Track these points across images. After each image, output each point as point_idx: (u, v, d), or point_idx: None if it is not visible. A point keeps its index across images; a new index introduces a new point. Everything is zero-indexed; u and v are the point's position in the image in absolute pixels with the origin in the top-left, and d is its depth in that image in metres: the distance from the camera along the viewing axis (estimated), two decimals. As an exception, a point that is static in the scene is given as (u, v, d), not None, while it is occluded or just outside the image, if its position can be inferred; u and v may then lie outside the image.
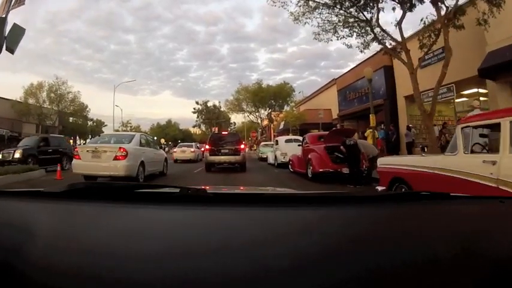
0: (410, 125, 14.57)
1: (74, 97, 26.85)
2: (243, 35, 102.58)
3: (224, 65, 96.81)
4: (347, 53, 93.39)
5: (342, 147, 7.51)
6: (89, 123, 39.98)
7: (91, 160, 7.16)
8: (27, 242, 0.56)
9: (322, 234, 0.62)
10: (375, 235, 0.63)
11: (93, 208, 0.76)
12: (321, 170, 7.80)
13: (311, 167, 8.21)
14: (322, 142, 8.87)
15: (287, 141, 13.36)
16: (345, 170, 7.58)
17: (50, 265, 0.51)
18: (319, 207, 0.79)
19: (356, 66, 20.22)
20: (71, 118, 32.06)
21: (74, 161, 7.62)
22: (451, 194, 0.94)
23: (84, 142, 36.96)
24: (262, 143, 21.01)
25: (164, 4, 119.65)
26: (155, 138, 32.79)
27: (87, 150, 7.38)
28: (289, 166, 10.87)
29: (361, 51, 10.60)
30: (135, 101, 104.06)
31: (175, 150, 19.23)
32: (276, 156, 13.24)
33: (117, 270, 0.50)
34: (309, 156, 8.50)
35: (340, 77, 22.56)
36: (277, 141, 13.91)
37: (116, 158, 7.06)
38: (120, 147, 7.20)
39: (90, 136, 39.48)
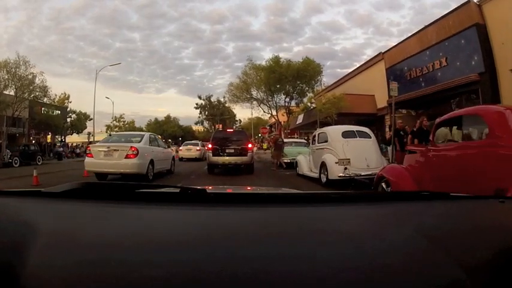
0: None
1: (32, 78, 20.41)
2: (249, 33, 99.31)
3: (229, 64, 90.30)
4: (353, 53, 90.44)
5: None
6: (72, 116, 34.06)
7: (103, 158, 7.39)
8: (27, 241, 0.56)
9: (322, 233, 0.62)
10: (375, 234, 0.62)
11: (93, 208, 0.75)
12: None
13: None
14: None
15: (346, 134, 6.89)
16: None
17: (50, 265, 0.51)
18: (319, 207, 0.79)
19: (424, 28, 13.80)
20: (43, 109, 26.03)
21: (87, 159, 7.85)
22: (451, 194, 0.93)
23: (62, 138, 31.72)
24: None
25: (169, 2, 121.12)
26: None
27: (100, 149, 7.60)
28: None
29: None
30: (140, 99, 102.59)
31: (180, 148, 18.66)
32: (324, 165, 6.79)
33: (118, 269, 0.49)
34: None
35: (390, 49, 16.12)
36: (324, 135, 7.45)
37: (127, 157, 7.28)
38: (131, 147, 7.42)
39: (71, 131, 33.94)
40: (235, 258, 0.51)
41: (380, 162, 6.72)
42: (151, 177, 7.80)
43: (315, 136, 8.13)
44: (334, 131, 7.30)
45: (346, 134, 6.94)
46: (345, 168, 6.14)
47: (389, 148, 8.64)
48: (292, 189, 1.46)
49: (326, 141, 7.14)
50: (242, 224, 0.66)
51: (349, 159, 6.26)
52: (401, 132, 7.86)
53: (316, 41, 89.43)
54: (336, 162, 6.38)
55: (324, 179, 6.80)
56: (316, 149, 7.71)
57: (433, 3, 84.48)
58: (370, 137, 7.10)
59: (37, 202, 0.81)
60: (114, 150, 7.41)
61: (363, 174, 6.34)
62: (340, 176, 6.21)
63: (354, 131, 7.17)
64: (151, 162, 7.89)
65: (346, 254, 0.53)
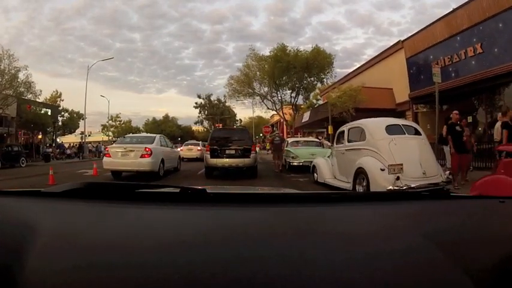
0: None
1: (15, 72, 18.63)
2: (249, 33, 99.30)
3: (230, 64, 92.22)
4: (353, 53, 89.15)
5: None
6: (65, 115, 32.41)
7: (120, 158, 8.26)
8: (27, 241, 0.55)
9: (322, 233, 0.62)
10: (376, 234, 0.62)
11: (93, 208, 0.75)
12: None
13: None
14: None
15: (391, 130, 5.08)
16: None
17: (50, 265, 0.51)
18: (319, 207, 0.78)
19: (452, 11, 12.08)
20: (31, 107, 24.23)
21: (105, 158, 8.69)
22: (451, 194, 0.94)
23: (53, 138, 30.03)
24: (291, 140, 12.78)
25: (170, 2, 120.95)
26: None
27: (117, 150, 8.44)
28: None
29: None
30: (141, 99, 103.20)
31: (181, 148, 18.74)
32: (362, 173, 4.99)
33: (117, 269, 0.49)
34: None
35: (411, 37, 14.37)
36: (358, 130, 5.69)
37: (142, 156, 8.11)
38: (145, 147, 8.23)
39: (63, 131, 32.26)
40: (236, 258, 0.51)
41: (437, 168, 5.03)
42: (162, 174, 8.66)
43: (342, 133, 6.21)
44: (374, 125, 5.39)
45: (390, 130, 5.11)
46: (397, 178, 4.41)
47: (446, 148, 6.79)
48: (293, 189, 1.43)
49: (363, 140, 5.35)
50: (242, 224, 0.66)
51: (401, 164, 4.53)
52: (457, 127, 5.91)
53: (317, 41, 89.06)
54: (382, 169, 4.63)
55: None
56: (346, 149, 5.92)
57: (433, 3, 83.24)
58: (421, 134, 5.35)
59: (37, 202, 0.81)
60: (130, 150, 8.25)
61: (413, 185, 4.62)
62: (389, 190, 4.47)
63: (399, 125, 5.34)
64: (162, 161, 8.76)
65: (347, 254, 0.53)
